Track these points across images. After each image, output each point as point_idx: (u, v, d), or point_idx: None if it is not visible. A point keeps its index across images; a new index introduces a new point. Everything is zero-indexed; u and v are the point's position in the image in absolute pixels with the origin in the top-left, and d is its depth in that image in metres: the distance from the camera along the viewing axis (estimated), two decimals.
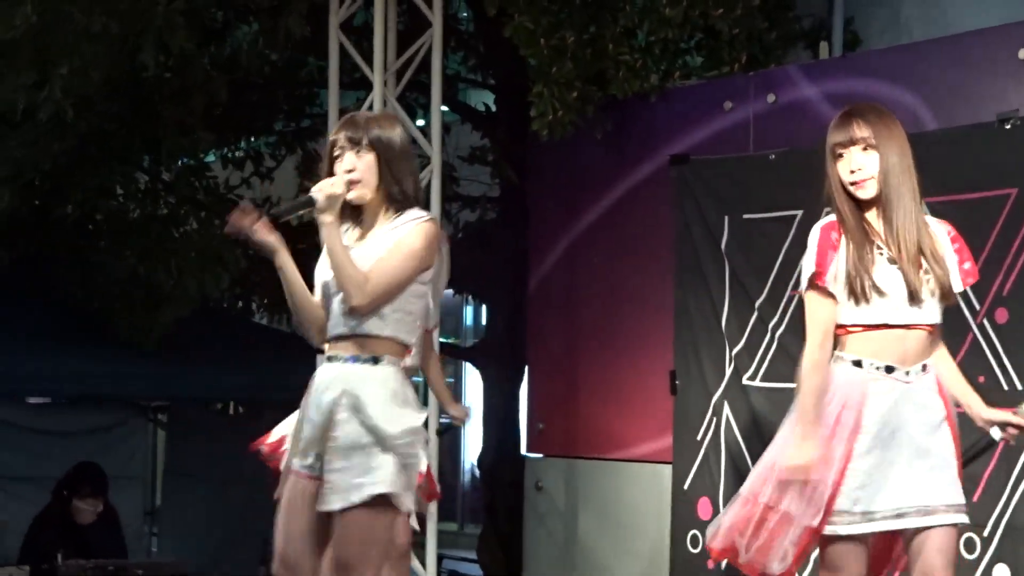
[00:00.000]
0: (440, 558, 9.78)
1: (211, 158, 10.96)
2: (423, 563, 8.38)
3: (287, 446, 4.80)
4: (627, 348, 8.25)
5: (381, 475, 4.51)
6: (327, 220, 4.50)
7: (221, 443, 11.12)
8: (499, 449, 10.01)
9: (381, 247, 4.57)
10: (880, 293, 4.47)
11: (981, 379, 6.16)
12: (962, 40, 6.95)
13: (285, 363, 10.06)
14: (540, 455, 8.88)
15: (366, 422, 4.53)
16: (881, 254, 4.50)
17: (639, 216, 8.26)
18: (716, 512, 7.43)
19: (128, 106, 9.35)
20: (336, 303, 4.62)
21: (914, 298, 4.47)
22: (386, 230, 4.61)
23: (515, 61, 8.62)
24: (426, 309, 4.74)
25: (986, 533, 6.28)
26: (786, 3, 8.56)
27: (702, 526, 7.49)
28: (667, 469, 7.79)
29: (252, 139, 11.05)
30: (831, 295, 4.53)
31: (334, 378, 4.61)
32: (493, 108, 10.47)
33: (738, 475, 7.34)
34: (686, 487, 7.62)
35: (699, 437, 7.56)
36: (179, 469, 11.18)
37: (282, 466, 4.81)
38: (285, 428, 5.50)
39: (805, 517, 4.50)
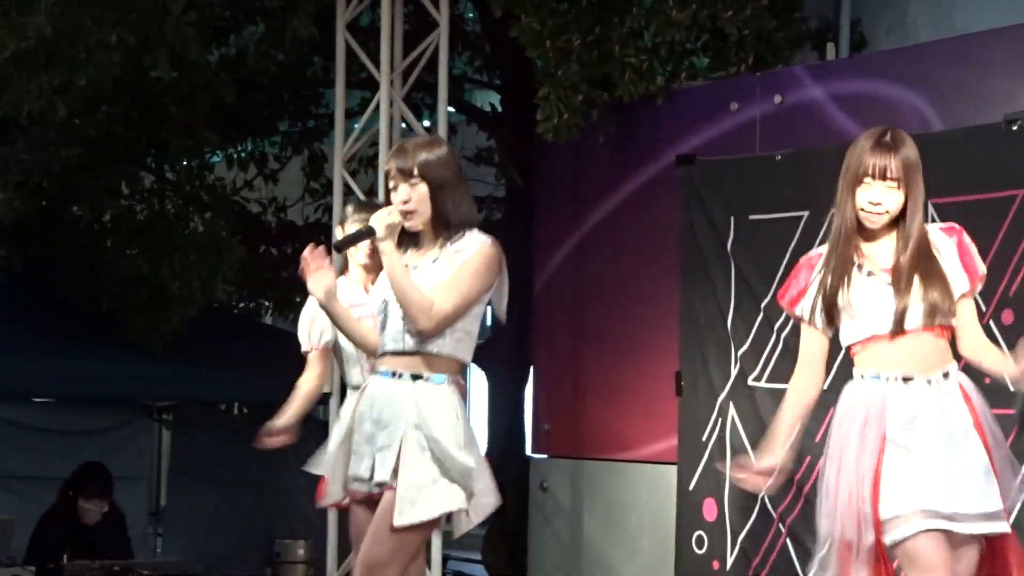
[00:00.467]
0: (445, 559, 9.78)
1: (217, 158, 10.98)
2: (428, 564, 8.38)
3: (337, 475, 4.90)
4: (632, 349, 8.25)
5: (451, 492, 4.66)
6: (388, 248, 4.65)
7: (226, 444, 11.12)
8: (504, 450, 10.00)
9: (444, 270, 4.70)
10: (857, 307, 4.49)
11: (987, 380, 6.14)
12: (969, 41, 6.95)
13: (292, 364, 10.06)
14: (545, 456, 8.88)
15: (438, 446, 4.66)
16: (860, 269, 4.51)
17: (645, 217, 8.26)
18: (721, 513, 7.44)
19: (134, 107, 9.37)
20: (395, 320, 4.75)
21: (906, 305, 4.45)
22: (447, 252, 4.73)
23: (521, 62, 8.62)
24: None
25: None
26: (793, 4, 8.55)
27: (707, 527, 7.49)
28: (672, 470, 7.78)
29: (258, 140, 11.07)
30: (812, 325, 4.62)
31: (397, 393, 4.73)
32: (499, 109, 10.47)
33: None
34: (691, 488, 7.61)
35: (704, 438, 7.56)
36: (184, 470, 11.18)
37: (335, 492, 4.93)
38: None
39: (865, 538, 4.44)
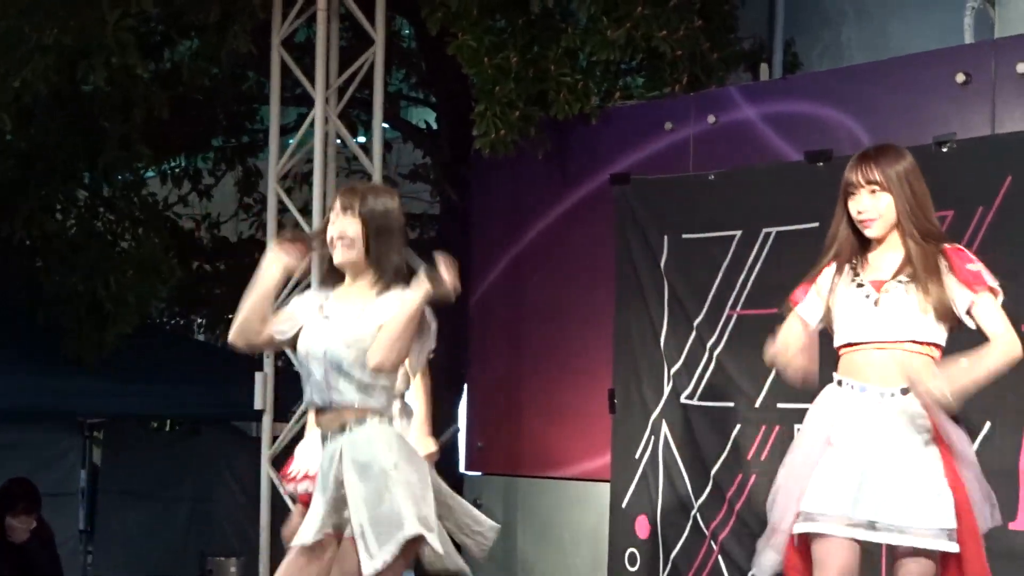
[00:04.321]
0: None
1: (151, 174, 10.92)
2: None
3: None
4: (567, 366, 8.26)
5: (403, 519, 4.72)
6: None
7: (158, 460, 11.05)
8: (438, 467, 9.94)
9: (372, 322, 4.77)
10: (842, 315, 4.64)
11: None
12: (900, 64, 7.01)
13: (223, 381, 10.03)
14: (479, 473, 8.88)
15: (373, 476, 4.74)
16: (854, 280, 4.67)
17: (580, 235, 8.28)
18: (654, 530, 7.47)
19: (68, 120, 9.30)
20: (318, 374, 4.81)
21: (886, 319, 4.58)
22: (377, 305, 4.80)
23: (457, 80, 8.64)
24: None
25: None
26: (728, 25, 8.61)
27: (640, 544, 7.51)
28: (605, 487, 7.80)
29: (192, 155, 11.02)
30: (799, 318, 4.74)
31: (333, 453, 4.82)
32: (434, 126, 10.48)
33: (675, 493, 7.36)
34: (624, 505, 7.63)
35: (637, 455, 7.58)
36: (115, 486, 11.09)
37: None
38: (304, 461, 5.69)
39: (784, 526, 4.67)
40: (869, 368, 4.60)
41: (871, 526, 4.53)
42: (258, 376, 8.76)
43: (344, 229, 4.81)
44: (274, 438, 8.82)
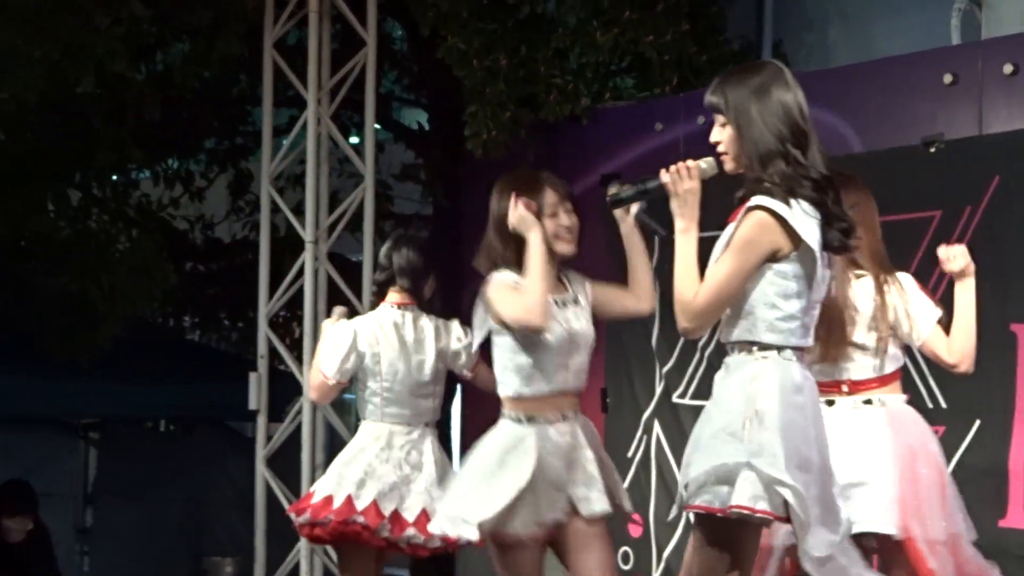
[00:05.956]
0: None
1: (144, 175, 10.95)
2: None
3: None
4: None
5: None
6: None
7: (153, 461, 11.09)
8: None
9: (587, 309, 5.04)
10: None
11: (907, 396, 6.25)
12: (888, 65, 7.06)
13: (217, 381, 10.07)
14: None
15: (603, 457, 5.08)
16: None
17: None
18: (646, 529, 7.51)
19: (61, 122, 9.33)
20: (579, 357, 5.01)
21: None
22: (578, 293, 5.14)
23: (449, 80, 8.67)
24: None
25: None
26: (716, 27, 8.65)
27: (633, 543, 7.55)
28: None
29: (184, 157, 11.05)
30: None
31: (567, 435, 5.01)
32: (426, 127, 10.51)
33: (668, 492, 7.41)
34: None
35: (630, 454, 7.62)
36: (111, 487, 11.13)
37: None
38: (328, 488, 5.83)
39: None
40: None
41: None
42: (252, 376, 8.79)
43: (573, 222, 5.00)
44: (268, 438, 8.86)
